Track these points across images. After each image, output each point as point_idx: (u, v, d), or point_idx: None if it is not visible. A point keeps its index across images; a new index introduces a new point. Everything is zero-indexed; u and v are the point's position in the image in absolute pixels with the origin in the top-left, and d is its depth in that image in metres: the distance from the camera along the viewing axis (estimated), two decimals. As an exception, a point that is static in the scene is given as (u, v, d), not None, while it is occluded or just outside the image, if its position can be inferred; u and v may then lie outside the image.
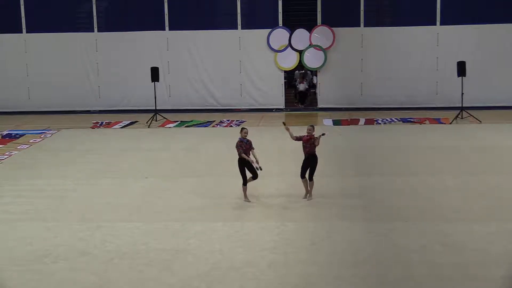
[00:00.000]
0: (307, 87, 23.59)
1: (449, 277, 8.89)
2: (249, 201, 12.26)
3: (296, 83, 23.63)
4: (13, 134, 19.34)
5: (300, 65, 22.98)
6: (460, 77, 20.09)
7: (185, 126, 20.40)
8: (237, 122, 20.60)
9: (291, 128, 12.51)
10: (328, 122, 20.52)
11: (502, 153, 15.79)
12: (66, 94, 23.17)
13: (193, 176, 14.36)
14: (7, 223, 11.48)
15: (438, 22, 22.20)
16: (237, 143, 12.23)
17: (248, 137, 12.30)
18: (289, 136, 12.42)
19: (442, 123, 19.76)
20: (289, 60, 22.79)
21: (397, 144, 17.16)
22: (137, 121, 21.22)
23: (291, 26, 22.91)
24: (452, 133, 18.36)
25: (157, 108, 21.21)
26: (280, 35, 22.64)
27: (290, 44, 22.67)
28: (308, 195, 12.37)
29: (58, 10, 23.18)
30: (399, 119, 20.42)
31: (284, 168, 14.31)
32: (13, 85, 23.31)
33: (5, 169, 15.45)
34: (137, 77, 22.61)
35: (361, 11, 22.44)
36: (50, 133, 19.52)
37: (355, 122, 20.36)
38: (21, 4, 23.27)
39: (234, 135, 12.61)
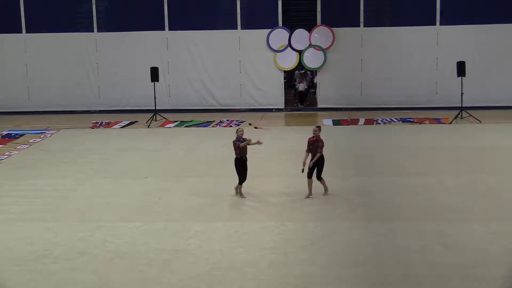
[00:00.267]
0: (306, 87, 23.59)
1: (449, 277, 8.89)
2: (244, 197, 12.45)
3: (296, 83, 23.63)
4: (12, 134, 19.33)
5: (300, 65, 22.98)
6: (460, 77, 20.09)
7: (185, 126, 20.39)
8: (237, 122, 20.59)
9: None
10: (328, 122, 20.50)
11: (502, 153, 15.78)
12: (66, 94, 23.16)
13: (193, 176, 14.36)
14: (7, 223, 11.48)
15: (438, 22, 22.18)
16: (233, 142, 12.44)
17: (248, 137, 12.43)
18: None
19: (442, 123, 19.75)
20: (289, 60, 22.77)
21: (397, 144, 17.16)
22: (137, 121, 21.21)
23: (290, 26, 22.88)
24: (452, 133, 18.35)
25: (156, 108, 21.19)
26: (279, 35, 22.63)
27: (289, 44, 22.66)
28: (324, 191, 12.48)
29: (58, 10, 23.16)
30: (399, 119, 20.41)
31: (284, 168, 14.30)
32: (12, 85, 23.28)
33: (5, 169, 15.44)
34: (137, 77, 22.58)
35: (360, 11, 22.43)
36: (49, 133, 19.50)
37: (355, 122, 20.36)
38: (21, 4, 23.24)
39: (234, 135, 12.63)
